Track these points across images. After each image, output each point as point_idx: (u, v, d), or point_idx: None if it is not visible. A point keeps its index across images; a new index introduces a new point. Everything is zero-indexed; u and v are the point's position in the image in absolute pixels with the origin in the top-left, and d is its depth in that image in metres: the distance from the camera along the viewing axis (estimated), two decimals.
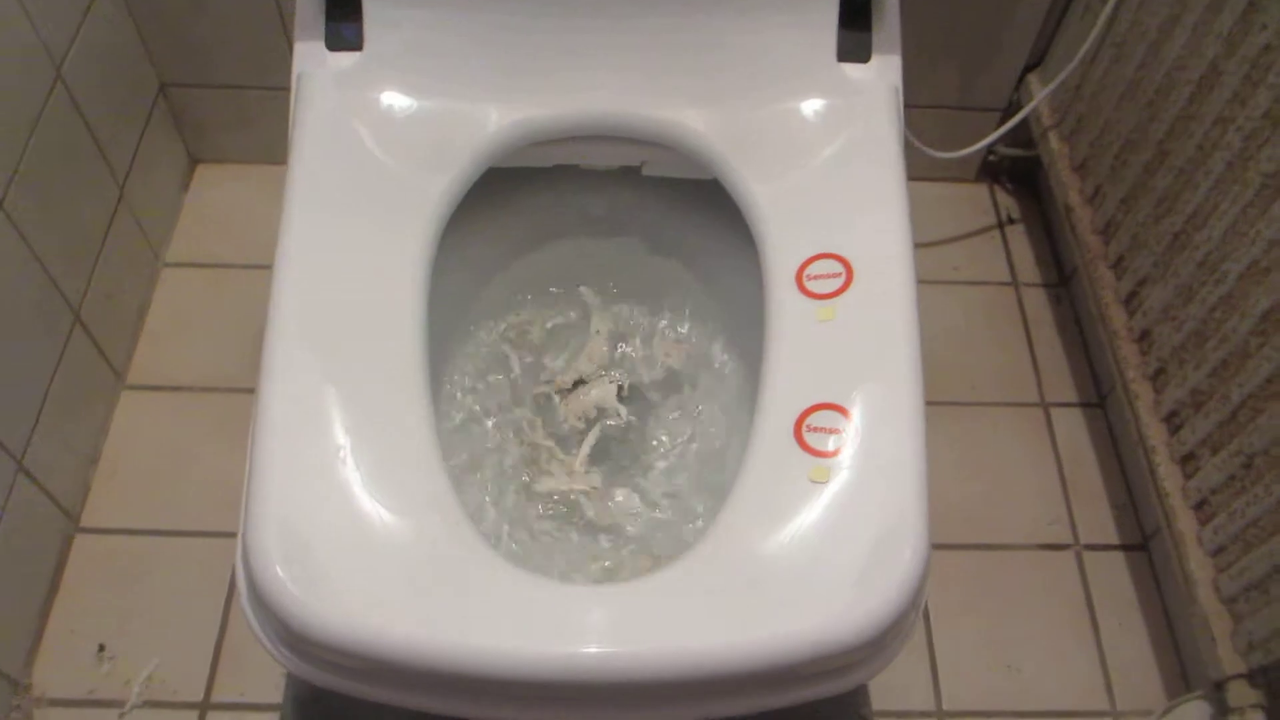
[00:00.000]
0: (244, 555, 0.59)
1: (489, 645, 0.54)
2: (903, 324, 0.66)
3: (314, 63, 0.75)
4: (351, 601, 0.56)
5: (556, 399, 0.87)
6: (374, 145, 0.72)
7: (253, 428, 0.62)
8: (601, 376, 0.86)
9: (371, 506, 0.59)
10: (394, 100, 0.74)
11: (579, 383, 0.87)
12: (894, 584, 0.56)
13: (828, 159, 0.74)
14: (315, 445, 0.61)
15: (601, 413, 0.84)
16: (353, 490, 0.59)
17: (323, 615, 0.55)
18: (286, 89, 0.77)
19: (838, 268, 0.68)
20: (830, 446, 0.61)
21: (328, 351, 0.64)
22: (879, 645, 0.56)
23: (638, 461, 0.85)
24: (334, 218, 0.69)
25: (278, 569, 0.56)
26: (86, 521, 1.03)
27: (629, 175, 0.84)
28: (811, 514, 0.58)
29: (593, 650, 0.54)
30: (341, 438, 0.61)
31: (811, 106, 0.76)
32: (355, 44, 0.76)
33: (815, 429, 0.61)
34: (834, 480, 0.60)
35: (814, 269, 0.68)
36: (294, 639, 0.56)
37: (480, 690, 0.56)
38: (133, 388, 1.11)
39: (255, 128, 1.23)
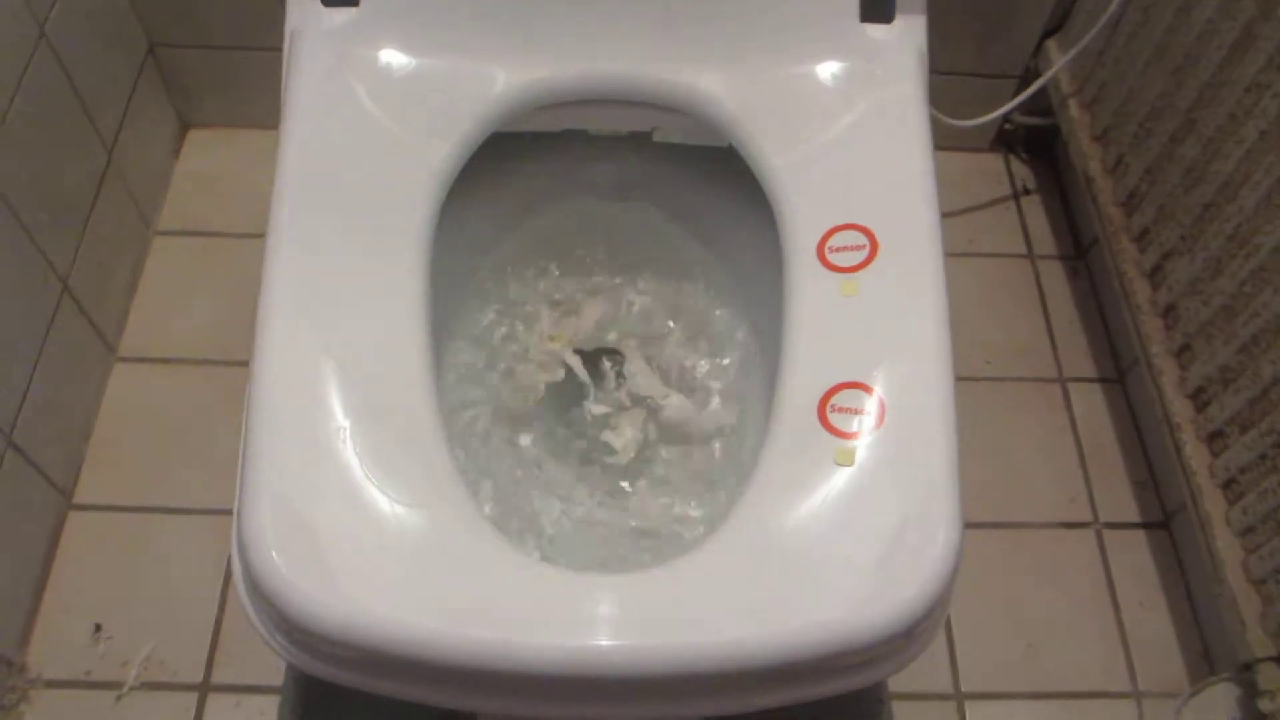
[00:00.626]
0: (238, 540, 0.56)
1: (498, 638, 0.52)
2: (930, 298, 0.63)
3: (308, 19, 0.71)
4: (352, 590, 0.53)
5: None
6: (372, 108, 0.68)
7: (247, 406, 0.59)
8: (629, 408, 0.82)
9: (373, 490, 0.56)
10: (393, 59, 0.71)
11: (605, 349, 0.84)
12: (925, 573, 0.53)
13: (850, 125, 0.70)
14: (313, 425, 0.58)
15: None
16: (353, 473, 0.57)
17: (322, 604, 0.53)
18: (281, 49, 0.73)
19: (861, 239, 0.65)
20: (855, 427, 0.58)
21: (325, 327, 0.61)
22: (910, 637, 0.54)
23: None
24: (330, 185, 0.65)
25: (274, 554, 0.54)
26: (80, 498, 1.00)
27: (640, 141, 0.80)
28: (837, 499, 0.56)
29: (606, 643, 0.51)
30: (341, 417, 0.58)
31: (832, 69, 0.73)
32: None
33: (840, 409, 0.58)
34: (860, 463, 0.57)
35: (836, 241, 0.65)
36: (292, 629, 0.54)
37: (490, 684, 0.54)
38: (125, 360, 1.08)
39: (249, 91, 1.19)
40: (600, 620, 0.52)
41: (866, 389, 0.59)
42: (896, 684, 0.94)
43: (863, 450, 0.57)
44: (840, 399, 0.59)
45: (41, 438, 0.94)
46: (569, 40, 0.72)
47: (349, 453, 0.57)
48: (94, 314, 1.04)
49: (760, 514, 0.56)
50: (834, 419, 0.58)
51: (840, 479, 0.56)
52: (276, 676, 0.92)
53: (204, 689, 0.92)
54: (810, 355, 0.61)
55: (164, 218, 1.18)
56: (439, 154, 0.67)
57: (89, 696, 0.91)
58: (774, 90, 0.72)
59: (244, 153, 1.22)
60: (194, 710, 0.91)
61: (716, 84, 0.72)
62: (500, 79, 0.71)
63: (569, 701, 0.55)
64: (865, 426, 0.58)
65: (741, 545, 0.55)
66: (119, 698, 0.91)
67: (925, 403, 0.59)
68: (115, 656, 0.93)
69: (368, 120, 0.68)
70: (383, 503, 0.56)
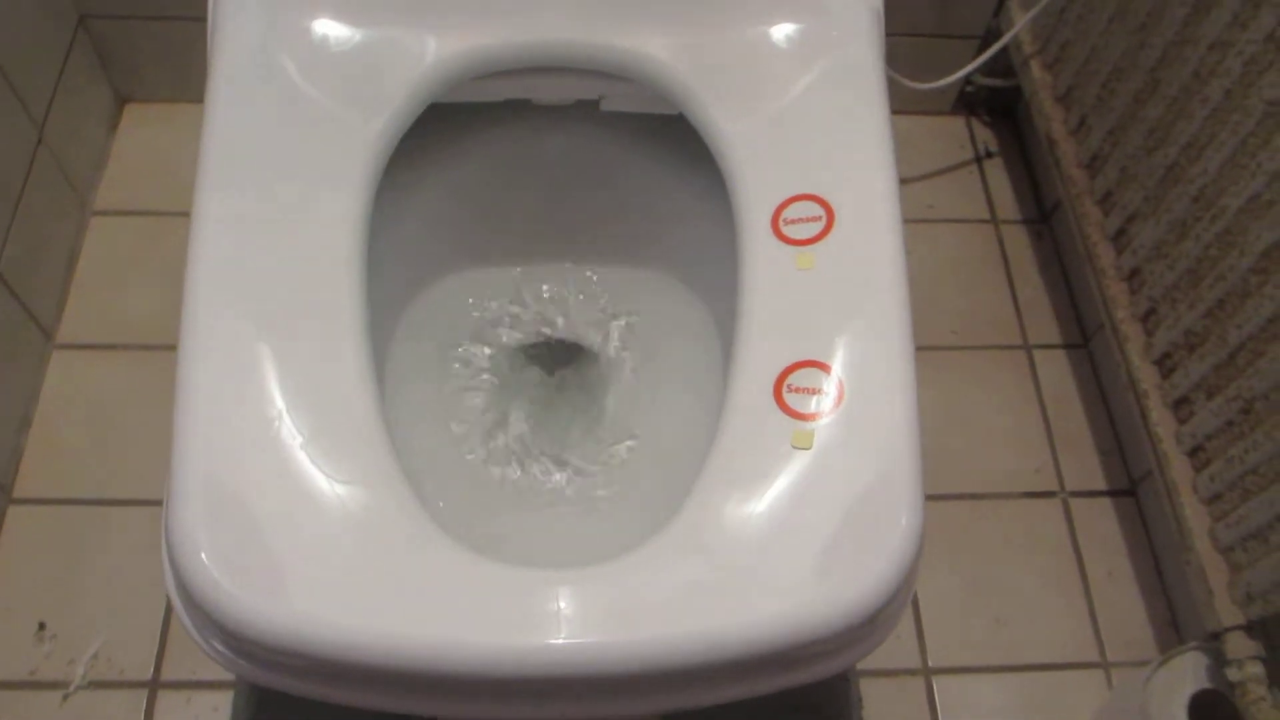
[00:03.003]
0: (167, 542, 0.54)
1: (448, 639, 0.49)
2: (889, 271, 0.60)
3: None
4: (290, 593, 0.50)
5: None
6: (301, 79, 0.65)
7: (175, 398, 0.56)
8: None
9: (310, 486, 0.53)
10: (324, 28, 0.67)
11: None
12: (887, 559, 0.51)
13: (804, 89, 0.67)
14: (243, 417, 0.55)
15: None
16: (289, 467, 0.54)
17: (258, 609, 0.50)
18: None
19: (817, 210, 0.62)
20: (814, 408, 0.56)
21: (255, 313, 0.58)
22: (874, 624, 0.52)
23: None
24: (257, 161, 0.62)
25: (203, 555, 0.51)
26: (19, 492, 0.97)
27: (586, 111, 0.77)
28: (794, 485, 0.53)
29: (560, 641, 0.49)
30: (274, 407, 0.55)
31: (785, 31, 0.70)
32: None
33: (797, 389, 0.56)
34: (818, 446, 0.54)
35: (791, 212, 0.62)
36: (228, 636, 0.51)
37: (441, 687, 0.51)
38: (64, 347, 1.04)
39: (188, 63, 1.14)
40: (552, 617, 0.50)
41: (824, 367, 0.57)
42: (863, 660, 0.92)
43: (821, 432, 0.55)
44: (797, 378, 0.57)
45: None
46: (509, 4, 0.68)
47: (285, 445, 0.54)
48: (29, 300, 0.99)
49: (715, 502, 0.53)
50: (791, 400, 0.56)
51: (798, 463, 0.54)
52: (229, 672, 0.90)
53: (154, 686, 0.89)
54: (765, 333, 0.58)
55: (101, 197, 1.13)
56: (373, 127, 0.64)
57: (34, 697, 0.88)
58: (725, 54, 0.68)
59: (184, 128, 1.17)
60: (144, 708, 0.88)
61: (664, 48, 0.68)
62: (436, 47, 0.67)
63: (525, 702, 0.53)
64: (824, 407, 0.56)
65: (696, 536, 0.52)
66: (65, 697, 0.88)
67: (885, 381, 0.57)
68: (60, 655, 0.90)
69: (296, 92, 0.64)
70: (321, 499, 0.53)
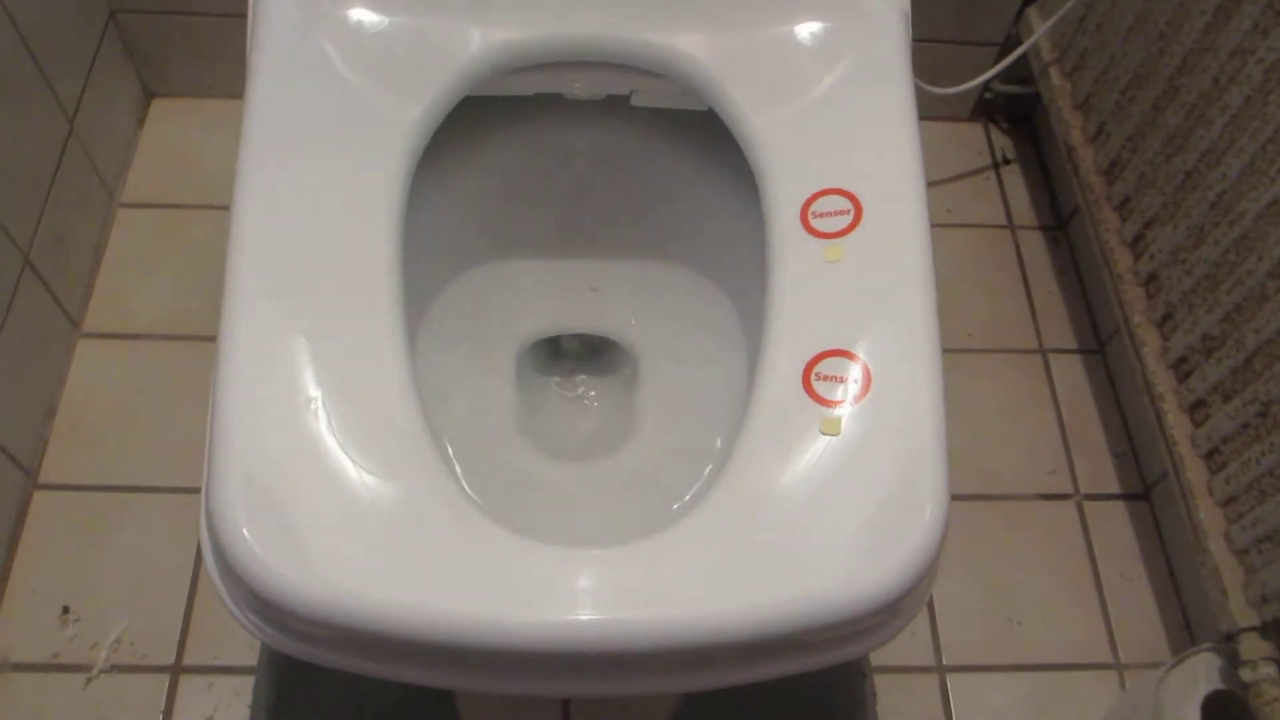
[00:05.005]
0: (207, 518, 0.55)
1: (477, 614, 0.50)
2: (916, 264, 0.62)
3: None
4: (326, 567, 0.51)
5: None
6: (342, 68, 0.66)
7: (214, 379, 0.57)
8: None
9: (346, 463, 0.54)
10: (363, 17, 0.68)
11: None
12: (911, 546, 0.52)
13: (833, 86, 0.69)
14: (283, 397, 0.56)
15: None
16: (325, 445, 0.55)
17: (294, 581, 0.51)
18: (246, 13, 0.71)
19: (845, 204, 0.63)
20: (841, 396, 0.57)
21: (294, 296, 0.59)
22: (896, 610, 0.53)
23: None
24: (298, 149, 0.63)
25: (244, 530, 0.52)
26: (45, 477, 0.98)
27: (617, 106, 0.78)
28: (822, 470, 0.54)
29: (586, 618, 0.50)
30: (312, 389, 0.56)
31: (814, 29, 0.71)
32: None
33: (825, 377, 0.57)
34: (846, 433, 0.55)
35: (820, 205, 0.64)
36: (264, 607, 0.52)
37: (470, 661, 0.52)
38: (90, 335, 1.06)
39: (215, 58, 1.16)
40: (580, 595, 0.51)
41: (852, 356, 0.58)
42: (879, 657, 0.93)
43: (849, 419, 0.56)
44: (825, 367, 0.57)
45: (5, 416, 0.92)
46: (545, 0, 0.70)
47: (320, 425, 0.55)
48: (57, 288, 1.01)
49: (744, 485, 0.54)
50: (819, 387, 0.57)
51: (826, 449, 0.55)
52: (250, 656, 0.91)
53: (176, 670, 0.90)
54: (794, 322, 0.59)
55: (128, 189, 1.15)
56: (410, 117, 0.65)
57: (57, 680, 0.89)
58: (755, 51, 0.70)
59: (210, 122, 1.19)
60: (166, 692, 0.89)
61: (696, 44, 0.69)
62: (472, 40, 0.68)
63: (549, 678, 0.54)
64: (851, 395, 0.57)
65: (724, 517, 0.53)
66: (89, 680, 0.89)
67: (912, 370, 0.58)
68: (84, 639, 0.91)
69: (337, 81, 0.65)
70: (356, 476, 0.54)
